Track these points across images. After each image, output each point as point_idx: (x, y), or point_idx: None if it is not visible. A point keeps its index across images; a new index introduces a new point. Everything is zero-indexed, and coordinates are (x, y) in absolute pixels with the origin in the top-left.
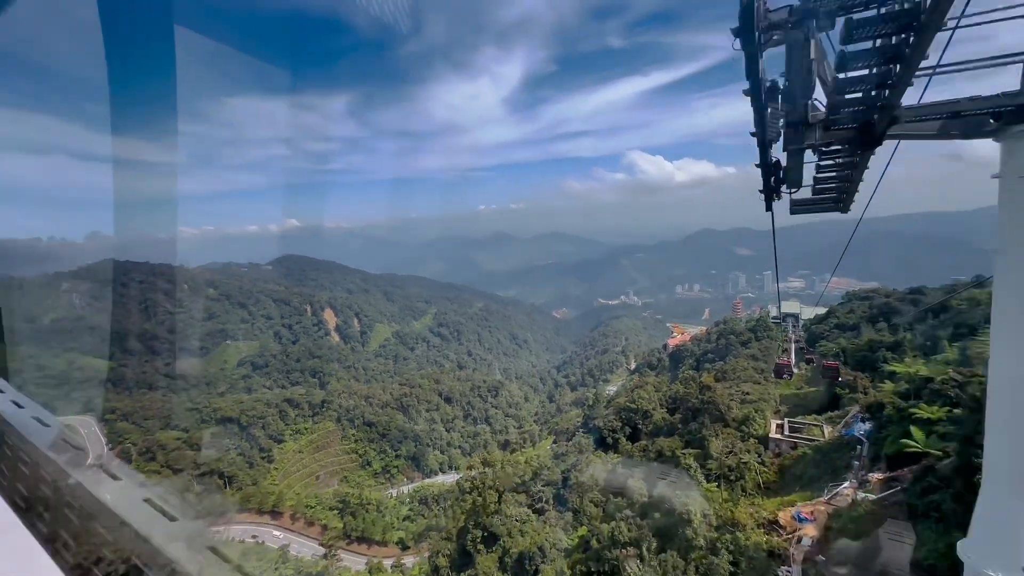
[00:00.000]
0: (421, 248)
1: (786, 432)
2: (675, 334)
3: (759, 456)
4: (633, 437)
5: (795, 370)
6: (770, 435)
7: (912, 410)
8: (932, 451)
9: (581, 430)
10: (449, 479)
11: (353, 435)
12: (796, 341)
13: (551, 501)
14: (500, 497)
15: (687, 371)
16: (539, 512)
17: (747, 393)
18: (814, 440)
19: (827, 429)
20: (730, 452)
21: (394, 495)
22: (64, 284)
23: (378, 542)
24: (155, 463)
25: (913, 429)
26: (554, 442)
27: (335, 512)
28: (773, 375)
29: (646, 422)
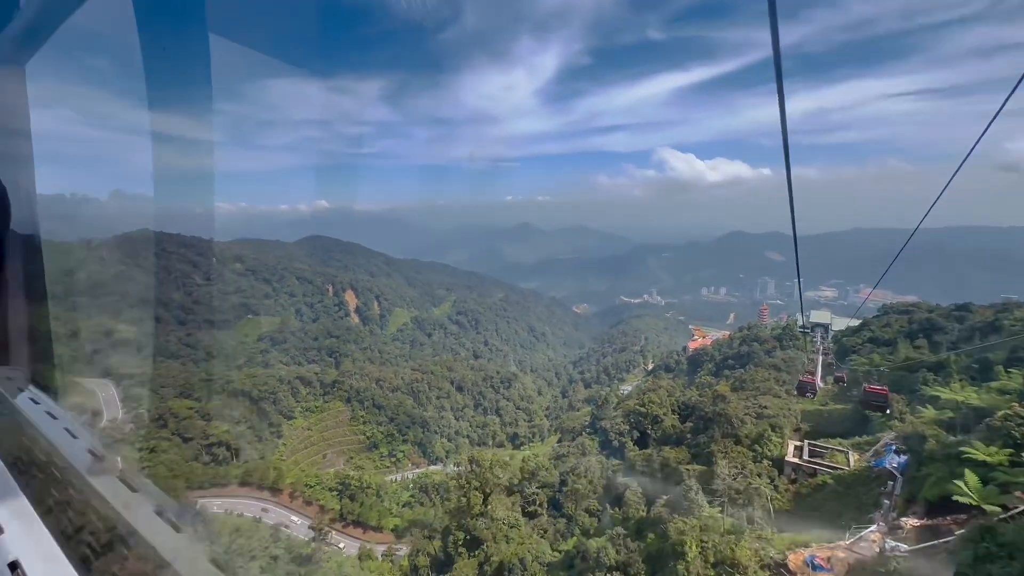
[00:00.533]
0: (446, 235)
1: (805, 456)
2: (696, 337)
3: (772, 481)
4: (641, 442)
5: (821, 385)
6: (787, 457)
7: (962, 448)
8: (989, 505)
9: (587, 430)
10: (454, 468)
11: (362, 416)
12: (825, 353)
13: (545, 505)
14: (486, 498)
15: (704, 376)
16: (531, 516)
17: (765, 407)
18: (837, 469)
19: (853, 456)
20: (739, 474)
21: (397, 480)
22: (99, 249)
23: (374, 527)
24: (166, 430)
25: (967, 473)
26: (559, 440)
27: (334, 493)
28: (796, 392)
29: (655, 427)
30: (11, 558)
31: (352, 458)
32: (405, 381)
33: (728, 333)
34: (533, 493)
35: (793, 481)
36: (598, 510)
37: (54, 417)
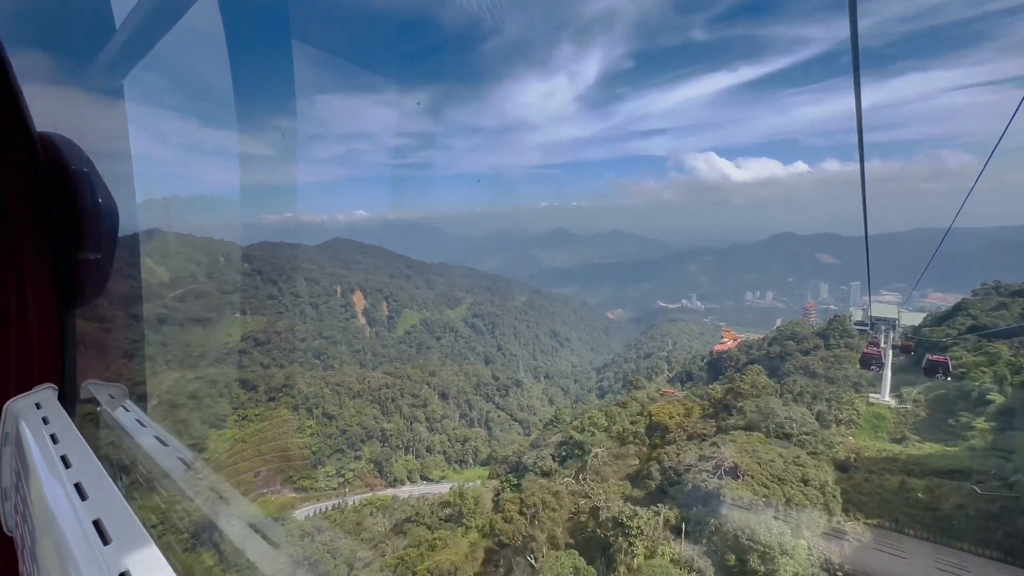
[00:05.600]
0: (482, 241)
1: None
2: (725, 339)
3: None
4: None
5: (891, 403)
6: None
7: None
8: None
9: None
10: (417, 491)
11: (310, 428)
12: (900, 351)
13: None
14: None
15: (715, 387)
16: None
17: (737, 471)
18: None
19: None
20: None
21: (313, 513)
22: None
23: None
24: None
25: None
26: (490, 476)
27: (185, 536)
28: (860, 366)
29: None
30: (122, 569)
31: (292, 477)
32: (371, 387)
33: (763, 335)
34: None
35: None
36: None
37: (143, 425)
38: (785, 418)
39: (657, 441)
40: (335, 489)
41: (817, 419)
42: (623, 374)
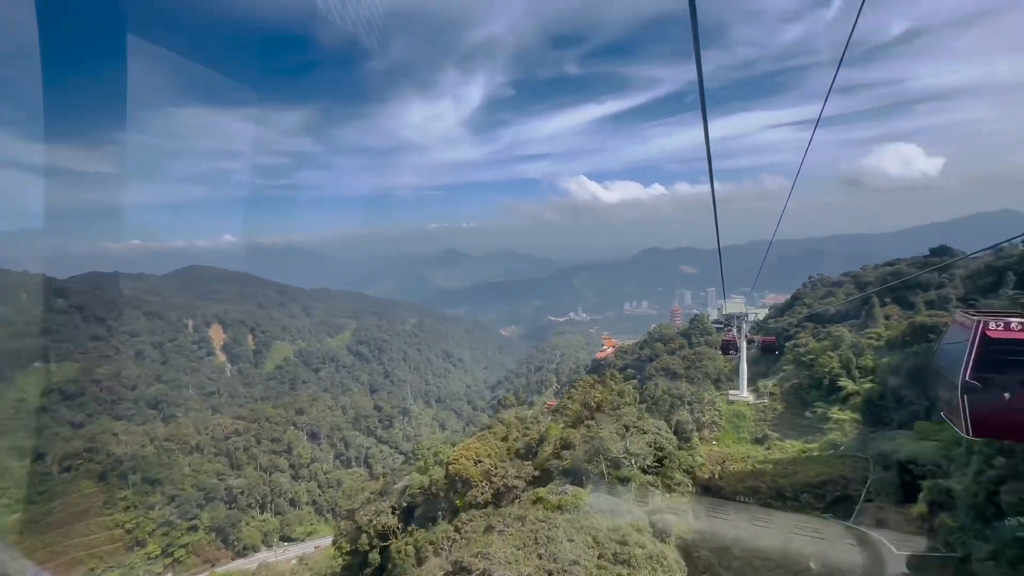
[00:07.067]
0: (369, 265)
1: None
2: (605, 346)
3: None
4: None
5: (750, 400)
6: None
7: None
8: None
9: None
10: (273, 557)
11: (125, 500)
12: (753, 341)
13: None
14: None
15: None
16: None
17: None
18: None
19: None
20: None
21: None
22: None
23: None
24: None
25: None
26: (337, 537)
27: None
28: (720, 352)
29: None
30: None
31: (93, 569)
32: (215, 437)
33: (634, 340)
34: None
35: None
36: None
37: None
38: (623, 454)
39: (458, 502)
40: (159, 574)
41: (676, 432)
42: (515, 389)
